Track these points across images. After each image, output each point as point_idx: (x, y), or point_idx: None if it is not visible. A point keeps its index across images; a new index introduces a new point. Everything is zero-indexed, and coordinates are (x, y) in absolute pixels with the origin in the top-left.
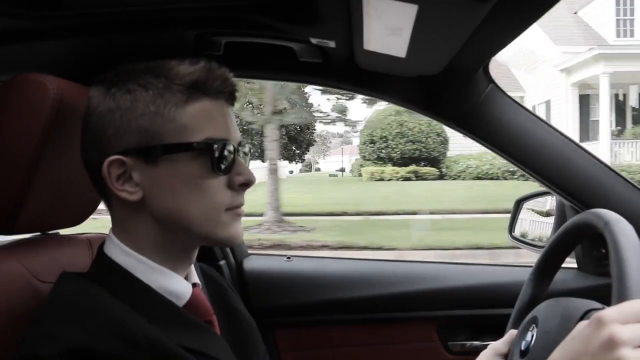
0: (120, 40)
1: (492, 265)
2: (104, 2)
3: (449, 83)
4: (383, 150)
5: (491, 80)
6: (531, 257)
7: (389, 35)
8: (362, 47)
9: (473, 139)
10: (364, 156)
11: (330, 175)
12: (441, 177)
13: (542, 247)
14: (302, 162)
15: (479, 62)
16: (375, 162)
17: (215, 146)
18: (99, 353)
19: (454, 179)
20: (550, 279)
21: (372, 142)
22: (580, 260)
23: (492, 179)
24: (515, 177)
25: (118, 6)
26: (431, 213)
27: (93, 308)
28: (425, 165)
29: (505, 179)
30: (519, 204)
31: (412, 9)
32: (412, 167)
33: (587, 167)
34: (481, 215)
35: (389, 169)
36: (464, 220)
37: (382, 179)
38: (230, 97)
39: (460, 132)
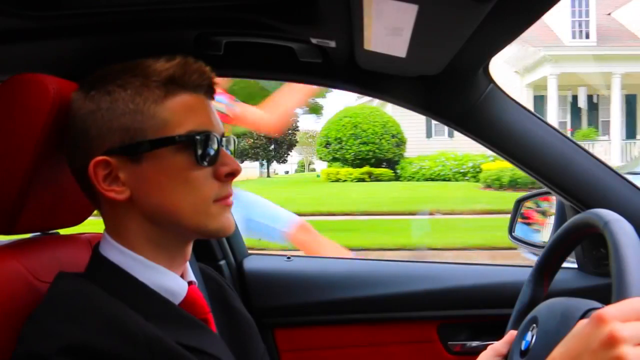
0: (121, 41)
1: (492, 265)
2: (104, 2)
3: (449, 83)
4: (338, 152)
5: (491, 81)
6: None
7: (390, 35)
8: (363, 47)
9: (473, 139)
10: (321, 157)
11: (317, 176)
12: (396, 178)
13: (543, 247)
14: (284, 163)
15: (479, 62)
16: (330, 163)
17: (198, 138)
18: (97, 350)
19: (409, 180)
20: (551, 279)
21: (328, 143)
22: (580, 260)
23: (443, 179)
24: (466, 178)
25: (118, 6)
26: (344, 214)
27: (90, 306)
28: (380, 167)
29: (456, 180)
30: (519, 203)
31: (413, 9)
32: (366, 169)
33: (587, 167)
34: (389, 216)
35: (344, 170)
36: (365, 221)
37: (337, 180)
38: (209, 90)
39: (461, 132)
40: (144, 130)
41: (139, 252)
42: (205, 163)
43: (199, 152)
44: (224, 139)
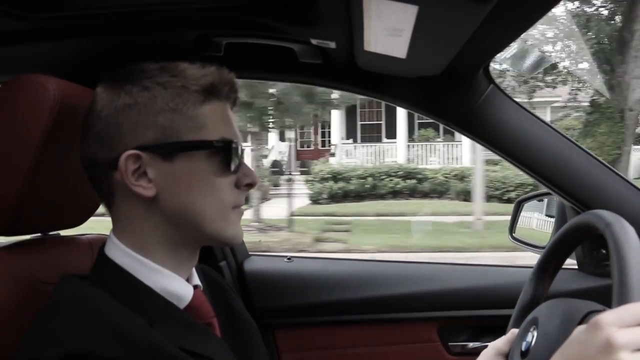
0: (121, 41)
1: (493, 266)
2: (104, 3)
3: (449, 84)
4: None
5: (492, 81)
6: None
7: (390, 36)
8: (363, 48)
9: (473, 140)
10: None
11: None
12: None
13: (543, 248)
14: None
15: (479, 63)
16: None
17: (233, 146)
18: (99, 357)
19: None
20: (551, 279)
21: None
22: (580, 260)
23: None
24: None
25: (118, 7)
26: None
27: (93, 312)
28: None
29: None
30: (519, 204)
31: (413, 10)
32: None
33: (587, 167)
34: None
35: None
36: None
37: None
38: (235, 101)
39: (461, 133)
40: (181, 130)
41: (148, 254)
42: (232, 171)
43: (228, 159)
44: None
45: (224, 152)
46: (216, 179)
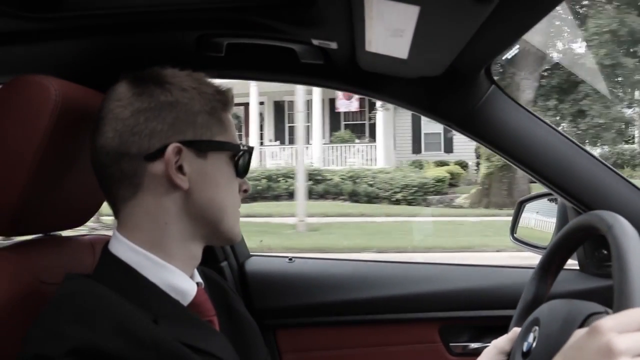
0: (122, 42)
1: (495, 266)
2: (105, 4)
3: (450, 84)
4: None
5: (493, 82)
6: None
7: (391, 36)
8: (364, 49)
9: (475, 140)
10: None
11: None
12: None
13: (545, 248)
14: None
15: (480, 64)
16: None
17: (251, 152)
18: (104, 352)
19: None
20: (553, 279)
21: None
22: (582, 261)
23: None
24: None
25: (119, 8)
26: None
27: (98, 307)
28: None
29: None
30: (520, 205)
31: (414, 11)
32: None
33: (588, 168)
34: None
35: None
36: None
37: None
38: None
39: (462, 134)
40: (213, 132)
41: (159, 250)
42: (242, 175)
43: (247, 163)
44: None
45: (246, 156)
46: (233, 179)
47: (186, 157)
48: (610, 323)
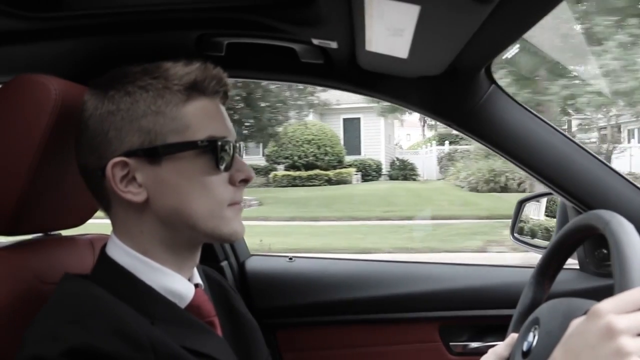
0: (122, 41)
1: (494, 266)
2: (105, 4)
3: (450, 84)
4: None
5: (493, 81)
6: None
7: (391, 36)
8: (364, 48)
9: (475, 140)
10: None
11: None
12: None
13: (545, 248)
14: None
15: (481, 63)
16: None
17: (219, 143)
18: (100, 353)
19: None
20: (552, 280)
21: None
22: (582, 261)
23: None
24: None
25: (119, 7)
26: None
27: (95, 308)
28: None
29: None
30: (521, 204)
31: (414, 10)
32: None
33: (588, 167)
34: None
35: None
36: None
37: None
38: (224, 96)
39: (462, 133)
40: (165, 133)
41: (149, 255)
42: (223, 168)
43: (218, 157)
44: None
45: (211, 151)
46: (206, 178)
47: (137, 167)
48: (608, 305)
